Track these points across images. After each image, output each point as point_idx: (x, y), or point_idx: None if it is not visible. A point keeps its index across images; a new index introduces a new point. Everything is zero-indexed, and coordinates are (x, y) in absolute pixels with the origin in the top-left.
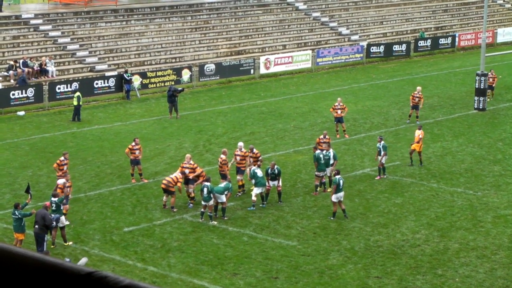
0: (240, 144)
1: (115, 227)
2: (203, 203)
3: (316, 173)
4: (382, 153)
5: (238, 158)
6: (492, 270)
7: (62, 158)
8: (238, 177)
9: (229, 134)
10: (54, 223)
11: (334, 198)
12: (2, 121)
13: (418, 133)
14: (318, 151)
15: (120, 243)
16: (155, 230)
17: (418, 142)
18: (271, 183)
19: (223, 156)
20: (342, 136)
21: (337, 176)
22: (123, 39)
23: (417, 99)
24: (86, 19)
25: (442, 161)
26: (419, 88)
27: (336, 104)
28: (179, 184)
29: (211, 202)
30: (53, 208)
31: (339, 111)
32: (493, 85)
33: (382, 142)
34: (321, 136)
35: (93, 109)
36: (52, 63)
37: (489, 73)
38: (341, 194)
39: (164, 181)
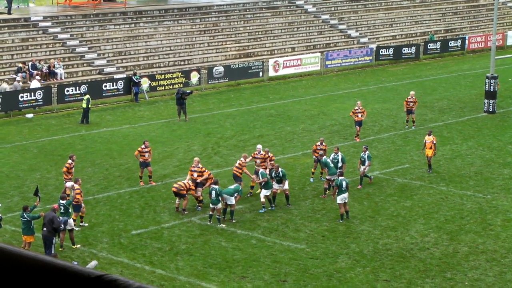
0: (259, 146)
1: (123, 229)
2: (211, 206)
3: (328, 177)
4: (367, 162)
5: (258, 161)
6: (501, 273)
7: (70, 161)
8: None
9: (238, 137)
10: (62, 226)
11: (339, 200)
12: (11, 124)
13: (430, 139)
14: (324, 157)
15: (128, 246)
16: (163, 233)
17: (431, 148)
18: (276, 185)
19: (242, 159)
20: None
21: (340, 178)
22: (131, 42)
23: (411, 104)
24: (95, 22)
25: (451, 164)
26: (412, 92)
27: (356, 108)
28: (192, 192)
29: (219, 205)
30: (62, 210)
31: (359, 115)
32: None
33: (367, 152)
34: (318, 143)
35: (101, 112)
36: (61, 66)
37: None
38: (346, 195)
39: (175, 185)
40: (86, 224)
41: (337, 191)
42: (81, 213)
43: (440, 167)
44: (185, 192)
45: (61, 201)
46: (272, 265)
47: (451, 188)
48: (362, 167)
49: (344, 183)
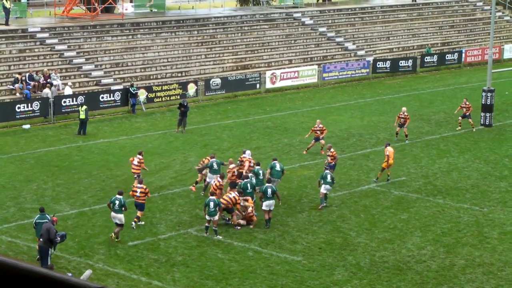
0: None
1: (120, 241)
2: (207, 217)
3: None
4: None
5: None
6: (498, 286)
7: (140, 156)
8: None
9: (235, 149)
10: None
11: (264, 206)
12: (7, 135)
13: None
14: (326, 171)
15: (124, 257)
16: (160, 244)
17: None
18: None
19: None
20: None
21: (267, 185)
22: (129, 53)
23: (402, 120)
24: (92, 33)
25: (448, 177)
26: (404, 108)
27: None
28: (238, 206)
29: (216, 217)
30: (116, 207)
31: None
32: (468, 113)
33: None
34: (326, 150)
35: (98, 123)
36: (58, 77)
37: (463, 103)
38: (271, 202)
39: (223, 201)
40: (143, 223)
41: (262, 197)
42: (142, 214)
43: (436, 180)
44: (232, 206)
45: (117, 196)
46: (268, 277)
47: (448, 201)
48: (324, 187)
49: (269, 191)
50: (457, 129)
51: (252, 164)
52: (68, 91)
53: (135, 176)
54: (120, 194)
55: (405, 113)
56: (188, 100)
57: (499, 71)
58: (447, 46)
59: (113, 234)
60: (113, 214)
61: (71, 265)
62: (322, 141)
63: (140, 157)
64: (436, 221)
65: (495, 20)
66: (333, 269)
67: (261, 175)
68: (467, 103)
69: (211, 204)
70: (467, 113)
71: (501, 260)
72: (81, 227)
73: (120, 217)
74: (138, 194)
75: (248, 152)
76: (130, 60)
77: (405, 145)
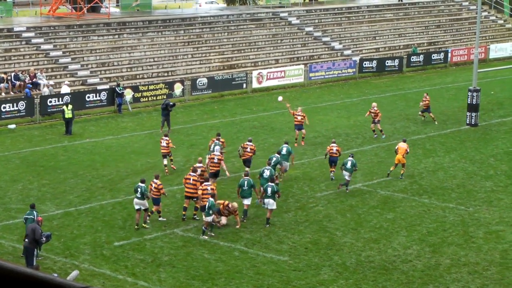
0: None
1: (106, 241)
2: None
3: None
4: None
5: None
6: (483, 286)
7: (167, 138)
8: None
9: (221, 149)
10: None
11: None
12: None
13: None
14: (349, 157)
15: (110, 257)
16: (146, 245)
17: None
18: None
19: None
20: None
21: (268, 184)
22: (115, 53)
23: (373, 115)
24: (78, 33)
25: (434, 177)
26: (374, 104)
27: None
28: (215, 190)
29: (209, 218)
30: (138, 195)
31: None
32: (427, 108)
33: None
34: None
35: (84, 123)
36: (44, 77)
37: (424, 97)
38: (268, 201)
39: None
40: (164, 219)
41: (262, 195)
42: (159, 208)
43: (422, 180)
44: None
45: (140, 184)
46: (254, 277)
47: (434, 201)
48: (347, 173)
49: (269, 190)
50: (422, 119)
51: (216, 160)
52: (65, 89)
53: (165, 156)
54: (142, 182)
55: (375, 108)
56: (174, 100)
57: (485, 71)
58: (433, 45)
59: (136, 225)
60: (136, 200)
61: (56, 266)
62: (303, 131)
63: (167, 138)
64: (422, 220)
65: (481, 20)
66: (319, 269)
67: (273, 160)
68: (427, 97)
69: (205, 205)
70: (427, 107)
71: (487, 259)
72: (66, 227)
73: (143, 203)
74: (152, 188)
75: (217, 147)
76: (116, 59)
77: (391, 145)
